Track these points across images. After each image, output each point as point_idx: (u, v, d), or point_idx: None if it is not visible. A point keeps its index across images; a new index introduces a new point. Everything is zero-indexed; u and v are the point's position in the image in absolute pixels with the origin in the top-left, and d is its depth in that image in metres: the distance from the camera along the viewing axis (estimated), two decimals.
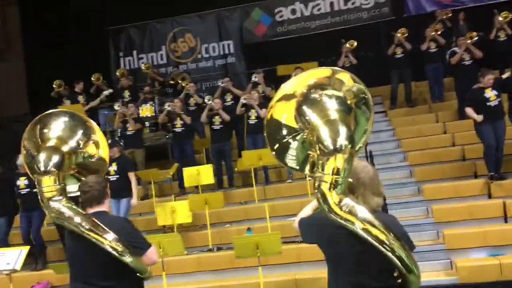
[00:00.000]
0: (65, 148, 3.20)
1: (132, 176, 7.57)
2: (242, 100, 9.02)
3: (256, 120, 8.83)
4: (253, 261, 6.07)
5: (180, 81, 11.22)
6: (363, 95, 2.41)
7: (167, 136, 10.21)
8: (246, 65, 13.22)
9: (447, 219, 6.92)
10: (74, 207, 3.02)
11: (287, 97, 2.45)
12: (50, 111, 3.37)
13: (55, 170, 3.09)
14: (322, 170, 2.26)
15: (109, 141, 7.89)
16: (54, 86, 11.43)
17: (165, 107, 9.50)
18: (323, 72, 2.48)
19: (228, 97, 10.08)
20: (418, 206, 7.43)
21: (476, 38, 9.26)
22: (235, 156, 9.45)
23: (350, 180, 2.31)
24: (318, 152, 2.30)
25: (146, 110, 10.27)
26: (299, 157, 2.49)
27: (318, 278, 5.98)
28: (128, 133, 9.38)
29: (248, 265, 6.43)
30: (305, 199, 7.91)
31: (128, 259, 2.94)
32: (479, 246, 6.34)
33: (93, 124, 3.45)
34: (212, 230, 7.51)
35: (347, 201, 2.25)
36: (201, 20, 13.74)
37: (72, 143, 3.25)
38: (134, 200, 7.58)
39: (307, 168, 2.49)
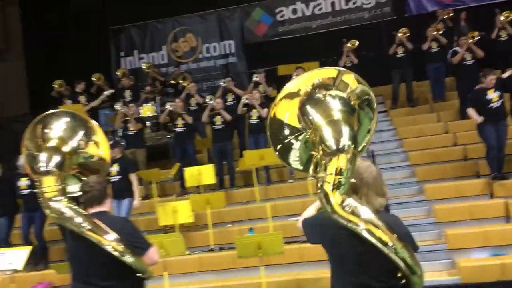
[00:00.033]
0: (66, 148, 3.20)
1: (133, 177, 7.55)
2: (244, 100, 9.02)
3: (257, 120, 8.83)
4: (255, 261, 6.06)
5: (181, 81, 11.21)
6: (367, 97, 2.41)
7: (168, 136, 10.21)
8: (247, 65, 13.20)
9: (449, 219, 6.91)
10: (74, 207, 3.02)
11: (291, 95, 2.45)
12: (51, 111, 3.37)
13: (56, 170, 3.09)
14: (325, 170, 2.25)
15: (111, 142, 7.87)
16: (54, 86, 11.44)
17: (167, 107, 9.50)
18: (329, 72, 2.48)
19: (230, 97, 10.07)
20: (420, 206, 7.43)
21: (478, 38, 9.25)
22: (237, 156, 9.44)
23: (353, 180, 2.30)
24: (320, 152, 2.29)
25: (147, 110, 10.27)
26: (303, 158, 2.49)
27: (320, 278, 5.98)
28: (129, 133, 9.37)
29: (250, 265, 6.42)
30: (307, 199, 7.92)
31: (129, 259, 2.94)
32: (481, 246, 6.33)
33: (94, 124, 3.45)
34: (214, 230, 7.50)
35: (350, 201, 2.24)
36: (202, 20, 13.73)
37: (73, 143, 3.25)
38: (137, 202, 7.56)
39: (311, 168, 2.48)
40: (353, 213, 2.22)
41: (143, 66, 12.53)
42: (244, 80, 12.67)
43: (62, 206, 3.00)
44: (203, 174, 7.95)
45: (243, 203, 8.42)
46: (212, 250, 7.20)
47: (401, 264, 2.21)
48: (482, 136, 7.33)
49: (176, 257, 6.65)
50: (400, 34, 10.20)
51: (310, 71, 2.59)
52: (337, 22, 12.85)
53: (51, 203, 3.01)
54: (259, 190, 8.27)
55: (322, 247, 2.53)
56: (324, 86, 2.40)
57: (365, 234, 2.21)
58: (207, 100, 9.29)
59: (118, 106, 9.69)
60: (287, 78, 10.54)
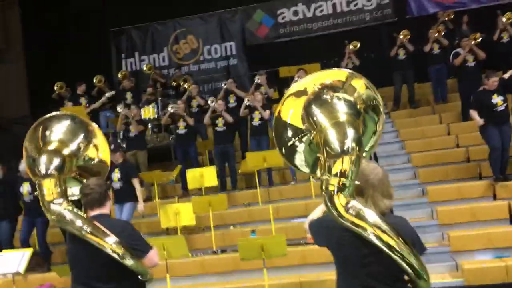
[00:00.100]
0: (66, 151, 3.20)
1: (136, 182, 7.52)
2: (246, 102, 9.01)
3: (259, 122, 8.82)
4: (257, 263, 6.04)
5: (182, 83, 11.21)
6: (373, 101, 2.40)
7: (170, 138, 10.19)
8: (248, 66, 13.20)
9: (452, 221, 6.89)
10: (75, 210, 3.01)
11: (298, 94, 2.44)
12: (52, 113, 3.37)
13: (56, 173, 3.08)
14: (329, 172, 2.24)
15: (112, 146, 7.86)
16: (55, 87, 11.44)
17: (168, 108, 9.49)
18: (340, 74, 2.47)
19: (231, 99, 10.06)
20: (423, 208, 7.41)
21: (480, 39, 9.25)
22: (238, 158, 9.43)
23: (358, 182, 2.28)
24: (325, 154, 2.27)
25: (148, 112, 10.25)
26: (309, 160, 2.47)
27: (323, 280, 5.96)
28: (131, 135, 9.36)
29: (253, 267, 6.39)
30: (309, 200, 7.92)
31: (129, 262, 2.94)
32: (484, 248, 6.30)
33: (95, 127, 3.44)
34: (216, 232, 7.48)
35: (355, 203, 2.22)
36: (203, 22, 13.73)
37: (73, 146, 3.25)
38: (141, 206, 7.54)
39: (318, 170, 2.46)
40: (358, 215, 2.20)
41: (144, 67, 12.53)
42: (245, 82, 12.67)
43: (62, 208, 3.00)
44: (205, 176, 7.94)
45: (245, 205, 8.40)
46: (214, 253, 7.18)
47: (408, 268, 2.20)
48: (485, 138, 7.32)
49: (179, 260, 6.63)
50: (401, 36, 10.20)
51: (322, 70, 2.58)
52: (338, 24, 12.85)
53: (51, 206, 3.01)
54: (261, 192, 8.26)
55: (328, 249, 2.51)
56: (333, 87, 2.39)
57: (371, 238, 2.20)
58: (209, 102, 9.28)
59: (119, 108, 9.68)
60: (289, 80, 10.58)
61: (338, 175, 2.22)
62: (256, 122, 8.88)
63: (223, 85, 10.58)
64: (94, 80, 11.59)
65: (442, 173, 8.06)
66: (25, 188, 7.35)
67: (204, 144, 10.09)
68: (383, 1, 12.59)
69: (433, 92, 10.35)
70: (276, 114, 2.48)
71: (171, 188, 9.53)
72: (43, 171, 3.08)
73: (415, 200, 7.65)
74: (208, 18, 13.68)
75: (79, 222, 2.96)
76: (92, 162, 3.35)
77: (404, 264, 2.19)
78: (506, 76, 8.00)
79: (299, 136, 2.40)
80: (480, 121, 7.17)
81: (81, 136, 3.31)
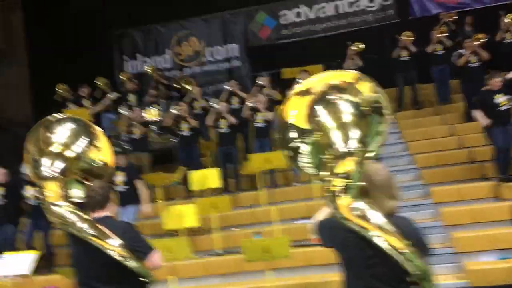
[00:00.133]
0: (68, 154, 3.20)
1: (140, 184, 7.51)
2: (249, 103, 9.01)
3: (263, 123, 8.82)
4: (261, 264, 6.05)
5: (185, 85, 11.21)
6: (379, 104, 2.40)
7: (173, 140, 10.20)
8: (251, 68, 13.20)
9: (456, 222, 6.88)
10: (77, 212, 3.01)
11: (303, 93, 2.44)
12: (55, 115, 3.39)
13: (58, 175, 3.09)
14: (333, 173, 2.23)
15: (116, 149, 7.86)
16: (58, 90, 11.46)
17: (171, 110, 9.50)
18: (348, 76, 2.46)
19: (234, 100, 10.06)
20: (427, 209, 7.39)
21: (484, 40, 9.24)
22: (241, 159, 9.43)
23: (363, 183, 2.28)
24: (329, 155, 2.27)
25: (151, 114, 10.26)
26: (313, 161, 2.47)
27: (327, 281, 5.95)
28: (134, 137, 9.37)
29: (257, 268, 6.40)
30: (313, 202, 7.90)
31: (132, 264, 2.93)
32: (489, 250, 6.29)
33: (98, 129, 3.45)
34: (220, 234, 7.48)
35: (359, 205, 2.21)
36: (205, 24, 13.73)
37: (76, 148, 3.25)
38: (148, 208, 7.53)
39: (323, 172, 2.46)
40: (361, 217, 2.19)
41: (147, 69, 12.54)
42: (247, 83, 12.67)
43: (65, 211, 3.00)
44: (208, 177, 7.93)
45: (248, 207, 8.40)
46: (218, 254, 7.17)
47: (412, 270, 2.18)
48: (491, 139, 7.30)
49: (183, 261, 6.63)
50: (404, 38, 10.19)
51: (329, 71, 2.58)
52: (341, 25, 12.84)
53: (54, 208, 3.01)
54: (265, 193, 8.26)
55: (334, 250, 2.51)
56: (339, 88, 2.39)
57: (375, 239, 2.19)
58: (212, 103, 9.29)
59: (122, 110, 9.69)
60: (291, 82, 10.57)
61: (342, 176, 2.21)
62: (259, 123, 8.88)
63: (226, 86, 10.56)
64: (97, 82, 11.60)
65: (446, 174, 8.05)
66: (29, 191, 7.35)
67: (207, 146, 10.10)
68: (385, 2, 12.58)
69: (436, 93, 10.33)
70: (280, 114, 2.48)
71: (174, 190, 9.53)
72: (45, 174, 3.09)
73: (419, 201, 7.63)
74: (210, 19, 13.68)
75: (82, 224, 2.96)
76: (95, 164, 3.35)
77: (409, 266, 2.18)
78: (509, 76, 7.99)
79: (303, 137, 2.39)
80: (485, 121, 7.15)
81: (84, 138, 3.31)
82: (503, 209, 6.81)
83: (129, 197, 7.41)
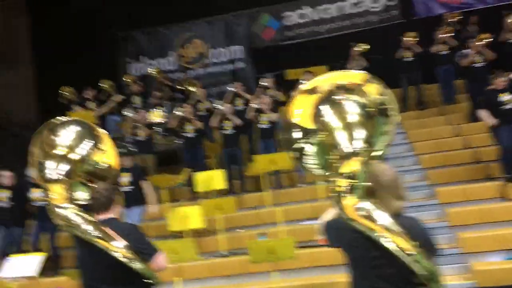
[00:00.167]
0: (73, 156, 3.22)
1: (146, 185, 7.53)
2: (254, 105, 9.02)
3: (267, 125, 8.82)
4: (267, 266, 6.04)
5: (189, 86, 11.23)
6: (385, 106, 2.39)
7: (177, 141, 10.21)
8: (255, 69, 13.21)
9: (462, 222, 6.85)
10: (82, 214, 3.03)
11: (309, 91, 2.44)
12: (59, 118, 3.40)
13: (63, 177, 3.11)
14: (339, 174, 2.23)
15: (123, 150, 7.89)
16: (63, 92, 11.52)
17: (176, 112, 9.52)
18: (357, 77, 2.46)
19: (239, 102, 10.07)
20: (432, 210, 7.36)
21: (489, 40, 9.21)
22: (246, 160, 9.43)
23: (369, 184, 2.28)
24: (334, 155, 2.27)
25: (156, 116, 10.28)
26: (320, 162, 2.46)
27: (333, 282, 5.93)
28: (139, 138, 9.39)
29: (262, 270, 6.39)
30: (318, 203, 7.90)
31: (137, 265, 2.94)
32: (496, 250, 6.26)
33: (102, 132, 3.47)
34: (225, 235, 7.48)
35: (365, 205, 2.21)
36: (209, 26, 13.77)
37: (80, 150, 3.27)
38: (154, 208, 7.55)
39: (329, 172, 2.45)
40: (367, 217, 2.19)
41: (152, 71, 12.57)
42: (252, 85, 12.67)
43: (70, 213, 3.02)
44: (213, 179, 7.93)
45: (253, 208, 8.40)
46: (223, 256, 7.17)
47: (420, 271, 2.18)
48: (497, 138, 7.28)
49: (188, 263, 6.63)
50: (407, 39, 10.17)
51: (339, 71, 2.58)
52: (345, 26, 12.84)
53: (59, 211, 3.03)
54: (269, 194, 8.25)
55: (340, 251, 2.50)
56: (346, 89, 2.38)
57: (382, 240, 2.19)
58: (216, 105, 9.30)
59: (127, 112, 9.72)
60: (295, 83, 10.57)
61: (348, 176, 2.21)
62: (264, 124, 8.88)
63: (230, 88, 10.57)
64: (102, 85, 11.64)
65: (451, 174, 8.02)
66: (36, 194, 7.37)
67: (212, 147, 10.11)
68: (390, 3, 12.57)
69: (441, 93, 10.30)
70: (285, 114, 2.47)
71: (179, 191, 9.53)
72: (50, 176, 3.11)
73: (425, 202, 7.60)
74: (214, 22, 13.71)
75: (86, 226, 2.97)
76: (100, 167, 3.37)
77: (416, 267, 2.17)
78: None
79: (308, 137, 2.39)
80: (492, 121, 7.12)
81: (89, 141, 3.33)
82: (510, 209, 6.77)
83: (135, 198, 7.42)
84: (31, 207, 7.64)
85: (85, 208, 3.12)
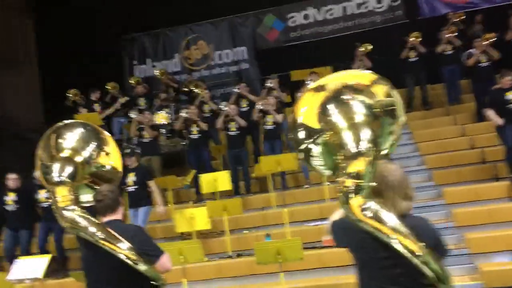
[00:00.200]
0: (78, 159, 3.24)
1: (153, 184, 7.56)
2: (258, 106, 9.02)
3: (273, 126, 8.82)
4: (273, 267, 6.03)
5: (194, 88, 11.25)
6: (392, 107, 2.39)
7: (183, 143, 10.23)
8: (260, 71, 13.23)
9: (469, 223, 6.81)
10: (87, 216, 3.05)
11: (317, 89, 2.43)
12: (64, 121, 3.42)
13: (68, 180, 3.13)
14: (345, 173, 2.22)
15: (128, 150, 7.92)
16: (69, 95, 11.56)
17: (182, 114, 9.53)
18: (365, 77, 2.45)
19: (244, 103, 10.08)
20: (439, 210, 7.33)
21: (494, 39, 9.17)
22: (251, 162, 9.44)
23: (375, 183, 2.26)
24: (340, 155, 2.26)
25: (161, 118, 10.30)
26: (328, 164, 2.45)
27: (340, 284, 5.93)
28: (145, 140, 9.41)
29: (268, 271, 6.39)
30: (323, 204, 7.90)
31: (142, 267, 2.95)
32: (503, 250, 6.23)
33: (107, 134, 3.49)
34: (231, 237, 7.49)
35: (371, 205, 2.20)
36: (213, 27, 13.80)
37: (85, 153, 3.29)
38: (162, 208, 7.58)
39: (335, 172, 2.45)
40: (374, 217, 2.18)
41: (157, 72, 12.60)
42: (256, 86, 12.68)
43: (75, 215, 3.04)
44: (219, 180, 7.94)
45: (259, 209, 8.40)
46: (230, 257, 7.18)
47: (428, 272, 2.17)
48: (502, 138, 7.25)
49: (195, 264, 6.63)
50: (412, 39, 10.15)
51: (348, 70, 2.57)
52: (349, 26, 12.84)
53: (65, 213, 3.05)
54: (275, 196, 8.25)
55: (347, 251, 2.51)
56: (354, 89, 2.38)
57: (389, 240, 2.18)
58: (221, 106, 9.30)
59: (133, 114, 9.74)
60: (300, 84, 10.57)
61: (354, 176, 2.20)
62: (269, 126, 8.88)
63: (235, 89, 10.58)
64: (108, 87, 11.69)
65: (457, 174, 7.99)
66: (42, 194, 7.40)
67: (217, 149, 10.12)
68: (394, 3, 12.56)
69: (446, 93, 10.28)
70: (293, 113, 2.47)
71: (185, 193, 9.55)
72: (56, 179, 3.13)
73: (431, 202, 7.58)
74: (218, 23, 13.74)
75: (92, 228, 2.99)
76: (104, 169, 3.39)
77: (424, 268, 2.16)
78: None
79: (313, 138, 2.38)
80: (498, 120, 7.09)
81: (93, 143, 3.35)
82: None
83: (141, 199, 7.45)
84: (39, 209, 7.66)
85: (90, 210, 3.14)
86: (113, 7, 13.15)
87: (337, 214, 2.64)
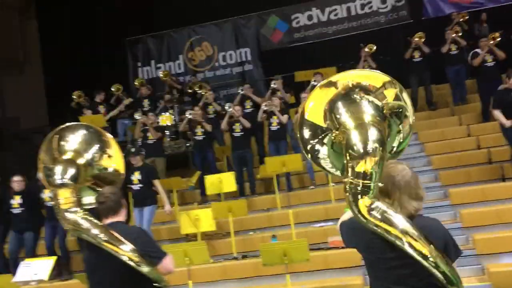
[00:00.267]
0: (80, 161, 3.24)
1: (158, 183, 7.56)
2: (263, 107, 9.00)
3: (278, 127, 8.80)
4: (279, 268, 6.00)
5: (198, 89, 11.24)
6: (400, 109, 2.36)
7: (187, 144, 10.23)
8: (264, 72, 13.22)
9: (476, 223, 6.76)
10: (90, 218, 3.05)
11: (329, 84, 2.40)
12: (67, 124, 3.42)
13: (71, 182, 3.13)
14: (352, 174, 2.19)
15: (133, 150, 7.92)
16: (73, 97, 11.59)
17: (186, 115, 9.52)
18: (377, 79, 2.42)
19: (248, 104, 10.06)
20: (445, 211, 7.28)
21: (499, 39, 9.13)
22: (256, 163, 9.42)
23: (382, 184, 2.24)
24: (347, 155, 2.23)
25: (166, 119, 10.30)
26: (336, 164, 2.43)
27: (346, 285, 5.90)
28: (149, 142, 9.41)
29: (274, 272, 6.36)
30: (329, 205, 7.87)
31: (145, 269, 2.95)
32: (510, 251, 6.16)
33: (109, 137, 3.49)
34: (236, 238, 7.46)
35: (379, 205, 2.18)
36: (217, 29, 13.80)
37: (87, 155, 3.29)
38: (168, 207, 7.58)
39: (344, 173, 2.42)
40: (382, 217, 2.15)
41: (161, 74, 12.61)
42: (260, 87, 12.67)
43: (78, 217, 3.04)
44: (223, 181, 7.93)
45: (264, 210, 8.37)
46: (235, 258, 7.15)
47: (439, 275, 2.14)
48: (508, 138, 7.20)
49: (200, 266, 6.61)
50: (416, 39, 10.12)
51: (360, 70, 2.55)
52: (353, 27, 12.82)
53: (67, 215, 3.05)
54: (280, 197, 8.23)
55: (357, 251, 2.48)
56: (365, 89, 2.35)
57: (396, 241, 2.15)
58: (226, 107, 9.29)
59: (137, 116, 9.74)
60: (305, 85, 10.56)
61: (361, 176, 2.17)
62: (274, 126, 8.86)
63: (239, 91, 10.57)
64: (112, 89, 11.71)
65: (463, 175, 7.95)
66: (46, 194, 7.40)
67: (222, 150, 10.10)
68: (398, 3, 12.52)
69: (451, 93, 10.23)
70: (302, 108, 2.44)
71: (190, 194, 9.54)
72: (58, 181, 3.13)
73: (438, 203, 7.53)
74: (222, 24, 13.75)
75: (94, 230, 2.99)
76: (107, 171, 3.39)
77: (435, 271, 2.13)
78: None
79: (320, 137, 2.35)
80: (507, 122, 7.03)
81: (96, 145, 3.36)
82: None
83: (146, 198, 7.46)
84: (43, 209, 7.64)
85: (93, 212, 3.14)
86: (118, 9, 13.19)
87: (347, 215, 2.61)
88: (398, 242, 2.15)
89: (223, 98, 12.61)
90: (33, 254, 7.45)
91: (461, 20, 11.09)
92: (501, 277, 5.72)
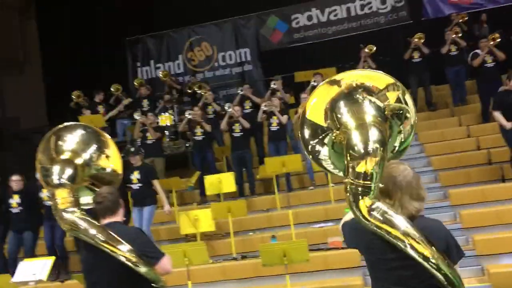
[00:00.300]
0: (78, 161, 3.24)
1: (157, 183, 7.56)
2: (263, 107, 8.99)
3: (277, 127, 8.80)
4: (278, 269, 6.00)
5: (197, 90, 11.24)
6: (401, 111, 2.35)
7: (187, 145, 10.22)
8: (263, 72, 13.22)
9: (476, 224, 6.76)
10: (88, 218, 3.04)
11: (333, 82, 2.38)
12: (65, 124, 3.41)
13: (68, 182, 3.12)
14: (352, 174, 2.19)
15: (132, 149, 7.92)
16: (73, 97, 11.58)
17: (186, 115, 9.52)
18: (381, 80, 2.41)
19: (247, 104, 10.06)
20: (445, 212, 7.28)
21: (499, 40, 9.13)
22: (256, 163, 9.41)
23: (383, 185, 2.23)
24: (348, 156, 2.23)
25: (165, 119, 10.29)
26: (337, 165, 2.42)
27: (346, 286, 5.89)
28: (148, 142, 9.40)
29: (274, 273, 6.35)
30: (329, 205, 7.87)
31: (142, 269, 2.95)
32: (510, 252, 6.16)
33: (107, 137, 3.48)
34: (236, 238, 7.45)
35: (379, 206, 2.17)
36: (217, 29, 13.80)
37: (85, 155, 3.29)
38: (167, 207, 7.59)
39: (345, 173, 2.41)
40: (382, 218, 2.15)
41: (160, 74, 12.61)
42: (260, 87, 12.67)
43: (76, 217, 3.03)
44: (223, 182, 7.92)
45: (264, 211, 8.36)
46: (234, 259, 7.14)
47: (440, 277, 2.13)
48: (507, 139, 7.19)
49: (199, 266, 6.60)
50: (415, 40, 10.12)
51: (365, 70, 2.54)
52: (353, 27, 12.81)
53: (65, 215, 3.05)
54: (280, 197, 8.22)
55: (359, 252, 2.48)
56: (368, 90, 2.34)
57: (396, 242, 2.14)
58: (225, 108, 9.29)
59: (137, 116, 9.73)
60: (304, 85, 10.55)
61: (362, 177, 2.17)
62: (274, 127, 8.86)
63: (238, 91, 10.56)
64: (112, 89, 11.70)
65: (463, 176, 7.95)
66: (45, 193, 7.38)
67: (221, 150, 10.09)
68: (398, 4, 12.53)
69: (451, 94, 10.23)
70: (303, 107, 2.43)
71: (189, 194, 9.53)
72: (56, 181, 3.12)
73: (437, 204, 7.53)
74: (222, 25, 13.75)
75: (92, 230, 2.99)
76: (104, 171, 3.39)
77: (436, 273, 2.12)
78: None
79: (320, 138, 2.34)
80: (507, 124, 7.02)
81: (93, 145, 3.35)
82: None
83: (145, 197, 7.45)
84: (42, 208, 7.63)
85: (90, 213, 3.13)
86: (117, 9, 13.18)
87: (349, 215, 2.60)
88: (399, 244, 2.14)
89: (223, 99, 12.60)
90: (32, 254, 7.44)
91: (460, 21, 11.09)
92: (501, 278, 5.72)
